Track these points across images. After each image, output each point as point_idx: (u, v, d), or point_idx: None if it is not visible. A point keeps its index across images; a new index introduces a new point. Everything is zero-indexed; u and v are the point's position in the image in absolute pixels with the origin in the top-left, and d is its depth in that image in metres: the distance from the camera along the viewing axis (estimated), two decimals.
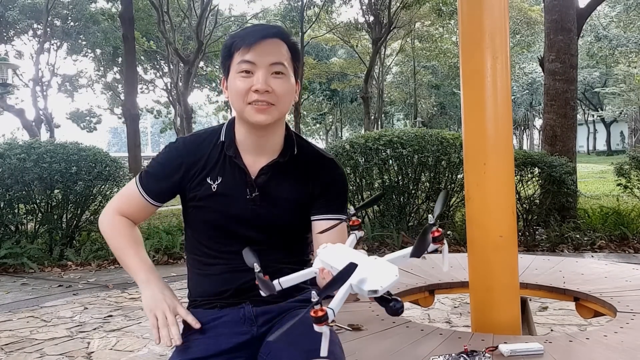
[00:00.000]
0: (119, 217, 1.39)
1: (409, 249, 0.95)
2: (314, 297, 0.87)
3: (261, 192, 1.32)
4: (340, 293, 0.90)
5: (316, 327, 0.88)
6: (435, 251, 0.95)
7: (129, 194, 1.39)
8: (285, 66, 1.28)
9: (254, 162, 1.33)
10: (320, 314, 0.87)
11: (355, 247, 1.08)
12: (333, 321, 0.89)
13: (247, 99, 1.26)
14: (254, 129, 1.31)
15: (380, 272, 0.90)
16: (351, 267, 0.88)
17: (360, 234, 1.14)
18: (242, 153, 1.33)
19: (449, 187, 6.38)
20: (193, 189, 1.33)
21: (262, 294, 1.03)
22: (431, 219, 0.92)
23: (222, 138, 1.34)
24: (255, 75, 1.25)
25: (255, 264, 1.03)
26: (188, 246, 1.43)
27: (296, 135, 1.40)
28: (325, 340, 0.91)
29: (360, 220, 1.15)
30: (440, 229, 0.93)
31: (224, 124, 1.39)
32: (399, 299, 0.90)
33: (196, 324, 1.30)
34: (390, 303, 0.89)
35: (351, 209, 1.14)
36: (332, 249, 1.04)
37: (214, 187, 1.31)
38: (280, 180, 1.34)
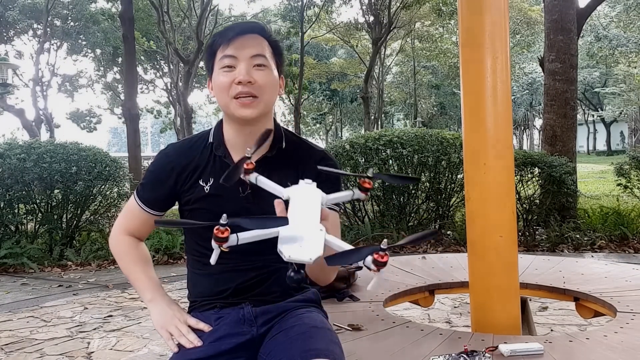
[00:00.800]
0: (125, 236, 1.43)
1: (345, 247, 0.93)
2: (224, 219, 0.91)
3: (253, 189, 1.32)
4: (256, 233, 0.94)
5: (213, 243, 0.92)
6: (372, 271, 0.91)
7: (130, 210, 1.42)
8: (267, 59, 1.29)
9: None
10: (221, 234, 0.91)
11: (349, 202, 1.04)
12: (230, 247, 0.92)
13: (231, 92, 1.27)
14: (241, 126, 1.31)
15: (306, 245, 0.91)
16: (279, 222, 0.92)
17: (360, 195, 1.08)
18: (231, 152, 1.34)
19: (449, 187, 6.39)
20: (186, 192, 1.34)
21: (222, 179, 1.04)
22: (385, 243, 0.90)
23: (211, 139, 1.36)
24: (238, 68, 1.26)
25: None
26: (187, 247, 1.44)
27: (284, 129, 1.40)
28: (215, 254, 0.96)
29: (372, 186, 1.09)
30: (387, 255, 0.89)
31: (212, 127, 1.41)
32: (303, 272, 0.92)
33: (208, 329, 1.32)
34: (292, 272, 0.92)
35: (370, 171, 1.07)
36: (309, 191, 1.02)
37: (206, 189, 1.32)
38: (271, 175, 1.33)
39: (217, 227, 0.91)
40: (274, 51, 1.32)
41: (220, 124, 1.37)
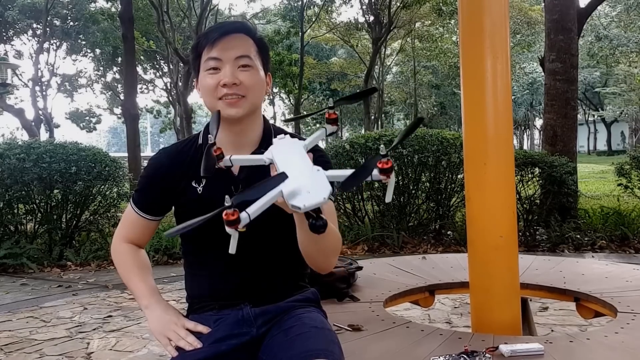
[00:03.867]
0: (123, 244, 1.43)
1: (349, 172, 0.92)
2: (227, 201, 0.87)
3: (246, 187, 1.31)
4: (262, 201, 0.91)
5: (227, 229, 0.88)
6: (381, 182, 0.93)
7: (127, 217, 1.43)
8: (252, 59, 1.29)
9: None
10: (231, 217, 0.87)
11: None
12: (245, 226, 0.89)
13: (217, 93, 1.27)
14: (230, 125, 1.31)
15: (312, 188, 0.90)
16: (278, 179, 0.90)
17: (332, 128, 1.06)
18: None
19: (449, 187, 6.38)
20: (180, 195, 1.35)
21: (201, 171, 1.07)
22: (383, 149, 0.90)
23: (200, 141, 1.36)
24: (223, 70, 1.26)
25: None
26: (183, 249, 1.44)
27: (274, 126, 1.40)
28: (233, 240, 0.92)
29: (337, 115, 1.06)
30: (390, 161, 0.90)
31: (201, 130, 1.41)
32: (324, 217, 0.90)
33: (207, 331, 1.32)
34: (310, 219, 0.89)
35: (330, 102, 1.06)
36: (286, 143, 1.03)
37: (199, 190, 1.33)
38: (264, 172, 1.33)
39: (224, 211, 0.88)
40: (259, 49, 1.32)
41: (209, 125, 1.37)
